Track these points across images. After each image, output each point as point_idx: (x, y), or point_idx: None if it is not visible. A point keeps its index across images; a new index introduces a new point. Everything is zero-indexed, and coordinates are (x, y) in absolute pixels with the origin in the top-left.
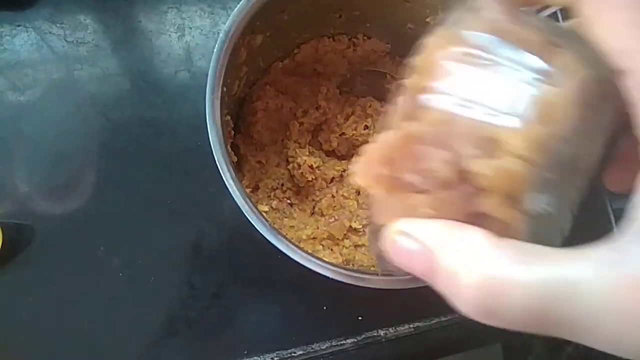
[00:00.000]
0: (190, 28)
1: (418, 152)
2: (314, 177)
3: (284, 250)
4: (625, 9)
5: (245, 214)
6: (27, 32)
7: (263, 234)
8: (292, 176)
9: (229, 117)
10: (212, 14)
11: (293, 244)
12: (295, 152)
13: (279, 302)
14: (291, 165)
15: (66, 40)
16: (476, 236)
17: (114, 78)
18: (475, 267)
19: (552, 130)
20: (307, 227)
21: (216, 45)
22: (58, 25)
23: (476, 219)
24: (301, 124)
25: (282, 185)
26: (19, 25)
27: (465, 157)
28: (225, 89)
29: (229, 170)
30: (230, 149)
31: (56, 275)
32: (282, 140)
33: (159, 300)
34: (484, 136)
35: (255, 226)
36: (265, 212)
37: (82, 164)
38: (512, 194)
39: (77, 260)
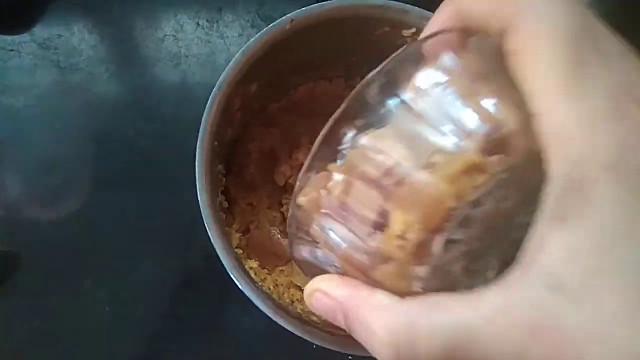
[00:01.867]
0: (187, 56)
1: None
2: None
3: (273, 318)
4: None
5: (237, 283)
6: (20, 57)
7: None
8: (285, 218)
9: (220, 166)
10: (209, 42)
11: (280, 307)
12: (289, 195)
13: (269, 339)
14: (285, 207)
15: (59, 67)
16: (381, 295)
17: (107, 105)
18: (384, 322)
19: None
20: (299, 272)
21: (208, 102)
22: (52, 51)
23: (376, 283)
24: (296, 165)
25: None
26: (12, 50)
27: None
28: (216, 142)
29: (218, 237)
30: (221, 197)
31: (41, 307)
32: (274, 182)
33: (145, 333)
34: (376, 211)
35: (245, 293)
36: (254, 268)
37: (70, 192)
38: (401, 270)
39: (63, 292)
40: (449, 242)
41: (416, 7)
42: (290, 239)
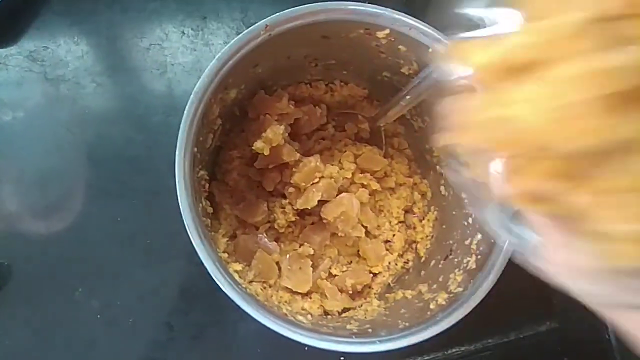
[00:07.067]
0: (172, 65)
1: None
2: (296, 219)
3: (256, 317)
4: None
5: (220, 285)
6: (6, 70)
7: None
8: (269, 222)
9: (203, 172)
10: (195, 50)
11: (264, 307)
12: (275, 198)
13: (263, 343)
14: (269, 210)
15: (46, 78)
16: None
17: (96, 116)
18: None
19: None
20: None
21: (185, 109)
22: (39, 62)
23: None
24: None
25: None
26: None
27: None
28: (197, 148)
29: (201, 242)
30: (205, 202)
31: (33, 317)
32: (258, 187)
33: (137, 342)
34: None
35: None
36: (239, 270)
37: (61, 202)
38: None
39: (55, 302)
40: None
41: (388, 9)
42: None
